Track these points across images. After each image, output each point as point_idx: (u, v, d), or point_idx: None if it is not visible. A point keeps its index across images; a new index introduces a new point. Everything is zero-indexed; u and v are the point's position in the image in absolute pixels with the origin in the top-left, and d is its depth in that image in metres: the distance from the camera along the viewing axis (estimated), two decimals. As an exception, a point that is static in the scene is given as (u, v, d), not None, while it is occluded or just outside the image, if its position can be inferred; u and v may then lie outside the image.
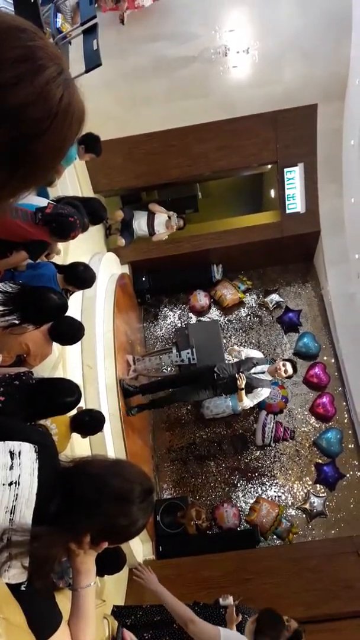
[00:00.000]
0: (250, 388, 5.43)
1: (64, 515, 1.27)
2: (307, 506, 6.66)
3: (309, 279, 8.10)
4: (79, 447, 4.19)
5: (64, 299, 3.29)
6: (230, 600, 3.87)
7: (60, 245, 4.30)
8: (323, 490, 6.78)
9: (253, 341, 7.79)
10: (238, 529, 6.56)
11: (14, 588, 1.19)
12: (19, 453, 1.26)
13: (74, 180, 6.04)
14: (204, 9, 5.98)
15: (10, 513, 1.20)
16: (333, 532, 6.54)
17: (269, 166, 7.54)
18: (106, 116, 6.00)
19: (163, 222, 7.22)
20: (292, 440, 7.08)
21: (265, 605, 4.19)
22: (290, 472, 6.98)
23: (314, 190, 7.10)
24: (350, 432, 7.04)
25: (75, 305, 5.11)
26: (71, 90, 0.80)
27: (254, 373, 5.46)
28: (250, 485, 6.95)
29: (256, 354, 5.74)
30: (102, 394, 5.12)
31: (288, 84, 6.36)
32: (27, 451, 1.28)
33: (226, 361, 6.33)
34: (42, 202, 3.20)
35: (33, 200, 3.17)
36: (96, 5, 4.98)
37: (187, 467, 7.11)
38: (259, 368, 5.50)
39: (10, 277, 3.26)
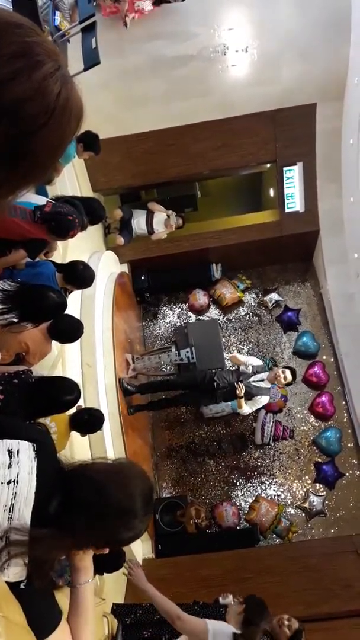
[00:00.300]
0: (249, 396, 5.46)
1: (64, 517, 1.27)
2: (306, 505, 6.66)
3: (308, 278, 8.10)
4: (78, 445, 4.19)
5: (63, 297, 3.29)
6: (229, 599, 3.88)
7: (59, 244, 4.29)
8: (322, 489, 6.78)
9: (252, 340, 7.80)
10: (237, 527, 6.56)
11: (13, 586, 1.19)
12: (18, 452, 1.25)
13: (72, 178, 6.03)
14: (203, 7, 5.97)
15: (9, 512, 1.20)
16: (332, 531, 6.55)
17: (268, 165, 7.54)
18: (105, 115, 6.00)
19: (162, 220, 7.21)
20: (292, 439, 7.08)
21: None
22: (289, 471, 6.98)
23: (313, 190, 7.09)
24: (349, 431, 7.05)
25: (75, 304, 5.11)
26: (69, 87, 0.80)
27: (253, 381, 5.48)
28: (249, 484, 6.95)
29: (256, 361, 5.76)
30: (101, 393, 5.11)
31: (287, 83, 6.36)
32: (26, 450, 1.27)
33: (226, 366, 6.36)
34: (41, 200, 3.20)
35: (32, 198, 3.16)
36: (95, 3, 4.97)
37: (187, 465, 7.11)
38: (258, 376, 5.52)
39: (9, 276, 3.24)
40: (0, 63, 0.71)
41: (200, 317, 8.02)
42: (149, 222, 7.16)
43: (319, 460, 6.95)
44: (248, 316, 8.02)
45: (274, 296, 7.95)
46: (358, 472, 6.86)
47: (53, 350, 3.84)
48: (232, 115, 6.60)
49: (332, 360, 7.47)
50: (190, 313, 8.12)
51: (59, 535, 1.23)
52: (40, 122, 0.76)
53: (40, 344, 3.24)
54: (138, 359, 6.28)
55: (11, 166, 0.79)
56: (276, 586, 5.15)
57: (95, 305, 5.46)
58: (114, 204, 7.62)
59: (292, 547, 6.26)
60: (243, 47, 6.15)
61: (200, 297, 8.01)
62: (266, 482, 6.95)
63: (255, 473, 7.00)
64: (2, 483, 1.21)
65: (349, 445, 7.00)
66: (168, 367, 6.98)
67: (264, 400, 5.58)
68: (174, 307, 8.22)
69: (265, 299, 7.98)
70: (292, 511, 6.73)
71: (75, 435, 3.45)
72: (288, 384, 5.59)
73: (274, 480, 6.95)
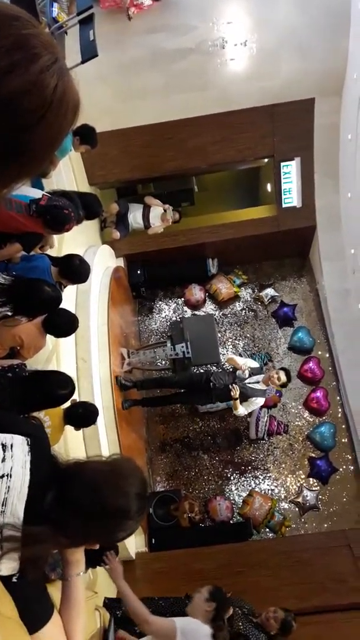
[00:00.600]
0: (244, 397, 5.51)
1: (58, 513, 1.26)
2: (300, 500, 6.70)
3: (305, 274, 8.10)
4: (72, 439, 4.19)
5: (58, 291, 3.28)
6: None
7: (55, 238, 4.28)
8: (316, 484, 6.82)
9: (248, 335, 7.80)
10: (231, 522, 6.59)
11: (5, 580, 1.19)
12: (12, 446, 1.25)
13: (69, 172, 6.01)
14: (202, 0, 5.93)
15: (2, 505, 1.20)
16: (325, 525, 6.59)
17: (266, 160, 7.52)
18: (102, 108, 5.96)
19: (159, 215, 7.18)
20: (286, 434, 7.11)
21: (257, 598, 4.24)
22: (283, 465, 7.01)
23: (311, 185, 7.08)
24: (343, 426, 7.08)
25: (70, 298, 5.10)
26: (66, 80, 0.79)
27: (249, 383, 5.52)
28: (243, 478, 6.98)
29: (252, 363, 5.79)
30: (96, 387, 5.11)
31: (285, 78, 6.33)
32: (20, 444, 1.27)
33: (222, 362, 6.38)
34: (37, 193, 3.19)
35: (28, 191, 3.15)
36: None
37: (181, 460, 7.13)
38: (253, 378, 5.56)
39: (4, 269, 3.23)
40: None
41: (196, 312, 8.02)
42: (146, 216, 7.13)
43: (313, 455, 6.98)
44: (244, 311, 8.03)
45: (270, 291, 7.95)
46: (352, 467, 6.89)
47: (47, 345, 3.82)
48: (230, 110, 6.57)
49: (327, 355, 7.49)
50: (186, 308, 8.11)
51: (53, 533, 1.23)
52: (36, 115, 0.75)
53: (35, 338, 3.23)
54: (133, 353, 6.28)
55: (7, 159, 0.78)
56: (269, 580, 5.19)
57: (90, 299, 5.45)
58: (111, 197, 7.59)
59: (285, 541, 6.30)
60: (242, 41, 6.12)
61: (196, 292, 8.00)
62: (260, 476, 6.98)
63: (249, 468, 7.03)
64: (-5, 477, 1.21)
65: (343, 440, 7.03)
66: (163, 362, 6.98)
67: (259, 401, 5.65)
68: (170, 301, 8.21)
69: (261, 294, 7.98)
70: (286, 506, 6.76)
71: (69, 429, 3.45)
72: (283, 385, 5.63)
73: (268, 475, 6.98)
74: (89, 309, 5.38)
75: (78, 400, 3.51)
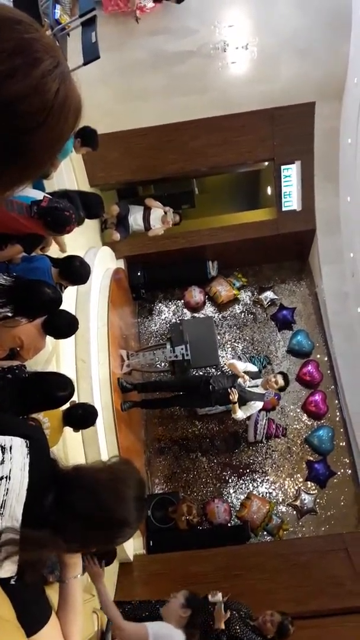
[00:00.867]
0: (243, 401, 5.56)
1: (57, 518, 1.26)
2: (297, 503, 6.69)
3: (304, 277, 8.11)
4: (71, 441, 4.19)
5: (58, 292, 3.28)
6: (219, 596, 3.88)
7: (65, 241, 4.28)
8: (314, 487, 6.81)
9: (247, 338, 7.81)
10: (229, 524, 6.58)
11: (3, 582, 1.19)
12: (10, 448, 1.25)
13: (70, 173, 6.01)
14: (203, 3, 5.95)
15: (1, 508, 1.19)
16: (323, 529, 6.58)
17: (266, 163, 7.53)
18: (104, 110, 5.97)
19: (159, 217, 7.18)
20: (284, 437, 7.10)
21: (254, 601, 4.23)
22: (281, 469, 7.01)
23: (311, 188, 7.09)
24: (341, 430, 7.08)
25: (70, 300, 5.09)
26: (68, 84, 0.79)
27: (248, 387, 5.57)
28: (241, 481, 6.97)
29: (252, 367, 5.83)
30: (95, 389, 5.11)
31: (286, 82, 6.35)
32: (19, 446, 1.27)
33: (221, 365, 6.39)
34: (38, 195, 3.19)
35: (29, 193, 3.16)
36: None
37: (179, 462, 7.12)
38: (252, 382, 5.60)
39: (5, 270, 3.23)
40: None
41: (196, 314, 8.02)
42: (146, 218, 7.14)
43: (311, 458, 6.98)
44: (243, 314, 8.03)
45: (269, 294, 7.96)
46: (349, 471, 6.89)
47: (47, 346, 3.82)
48: (231, 113, 6.58)
49: (325, 359, 7.49)
50: (185, 310, 8.11)
51: (53, 537, 1.23)
52: (38, 119, 0.75)
53: (35, 339, 3.22)
54: (133, 355, 6.28)
55: (9, 162, 0.78)
56: (266, 583, 5.18)
57: (90, 301, 5.45)
58: (111, 199, 7.59)
59: (282, 544, 6.29)
60: (243, 44, 6.14)
61: (195, 294, 8.01)
62: (258, 479, 6.97)
63: (248, 470, 7.02)
64: (-6, 479, 1.21)
65: (341, 444, 7.03)
66: (162, 364, 6.98)
67: (258, 405, 5.68)
68: (170, 303, 8.21)
69: (260, 297, 7.98)
70: (284, 509, 6.75)
71: (68, 430, 3.45)
72: (281, 389, 5.65)
73: (266, 478, 6.97)
74: (89, 310, 5.38)
75: (77, 402, 3.50)
